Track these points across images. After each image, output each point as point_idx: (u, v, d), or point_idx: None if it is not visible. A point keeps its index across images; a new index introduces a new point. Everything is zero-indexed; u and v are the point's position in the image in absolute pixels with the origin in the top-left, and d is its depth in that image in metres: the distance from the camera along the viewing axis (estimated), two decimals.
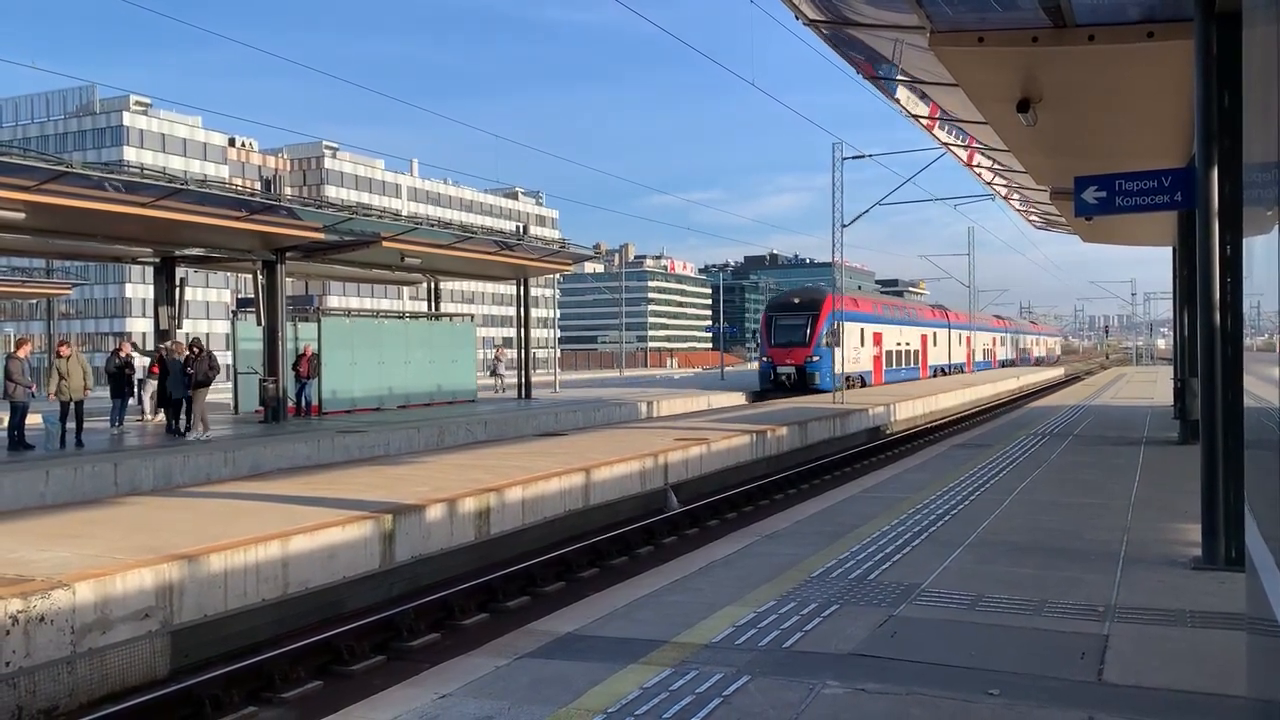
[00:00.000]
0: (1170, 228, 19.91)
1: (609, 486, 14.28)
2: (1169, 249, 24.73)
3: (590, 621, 6.48)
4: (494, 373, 38.44)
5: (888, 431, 27.35)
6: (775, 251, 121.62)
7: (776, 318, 39.29)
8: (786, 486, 17.63)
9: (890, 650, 5.71)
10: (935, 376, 52.06)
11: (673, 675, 5.33)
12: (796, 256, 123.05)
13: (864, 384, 40.94)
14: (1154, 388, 35.41)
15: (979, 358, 65.80)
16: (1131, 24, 8.77)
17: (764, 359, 39.40)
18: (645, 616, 6.57)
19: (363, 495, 11.56)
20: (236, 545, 8.68)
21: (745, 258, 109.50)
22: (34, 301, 62.52)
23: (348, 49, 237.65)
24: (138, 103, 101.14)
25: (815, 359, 37.40)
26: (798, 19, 9.89)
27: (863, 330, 41.78)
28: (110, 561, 7.99)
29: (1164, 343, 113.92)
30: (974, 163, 18.19)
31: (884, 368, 44.60)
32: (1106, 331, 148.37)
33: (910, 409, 30.53)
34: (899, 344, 47.59)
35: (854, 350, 39.59)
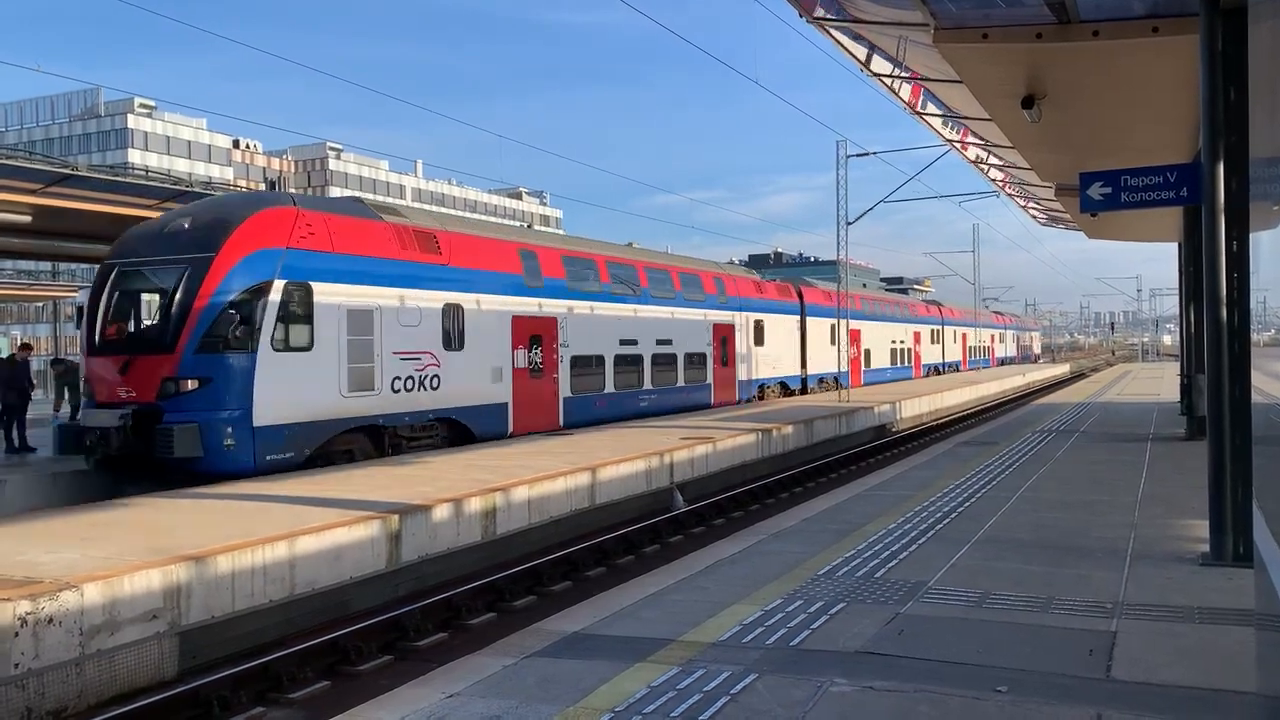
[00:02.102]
0: (1176, 223, 19.86)
1: (614, 486, 14.28)
2: (1175, 245, 24.68)
3: (597, 620, 6.49)
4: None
5: (893, 429, 27.32)
6: (780, 250, 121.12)
7: (114, 280, 14.94)
8: (792, 485, 17.62)
9: (897, 648, 5.71)
10: (758, 399, 28.44)
11: (680, 674, 5.33)
12: (801, 254, 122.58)
13: (472, 437, 17.88)
14: (1160, 384, 35.30)
15: (881, 362, 41.91)
16: (1136, 19, 8.76)
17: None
18: (652, 615, 6.57)
19: (369, 495, 11.57)
20: (244, 546, 8.69)
21: (749, 256, 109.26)
22: (40, 304, 62.81)
23: (351, 50, 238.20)
24: (142, 105, 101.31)
25: (188, 388, 13.59)
26: (801, 16, 9.89)
27: (474, 308, 17.97)
28: (118, 563, 8.01)
29: (1170, 339, 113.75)
30: (976, 157, 18.17)
31: (559, 401, 20.48)
32: (1112, 328, 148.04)
33: (916, 406, 30.52)
34: (635, 341, 23.33)
35: (407, 363, 16.36)
